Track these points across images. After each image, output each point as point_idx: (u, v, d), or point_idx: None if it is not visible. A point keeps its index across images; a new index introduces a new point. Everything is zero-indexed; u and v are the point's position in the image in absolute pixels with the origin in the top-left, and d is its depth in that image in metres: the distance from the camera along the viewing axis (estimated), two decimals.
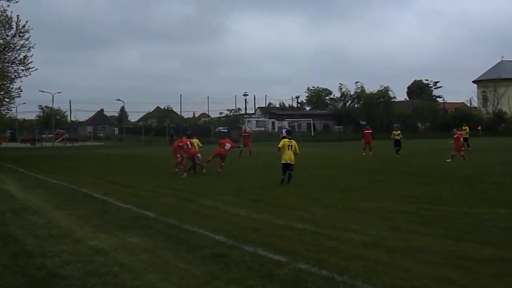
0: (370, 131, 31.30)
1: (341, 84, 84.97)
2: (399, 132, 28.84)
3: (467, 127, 34.85)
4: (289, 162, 15.83)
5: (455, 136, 24.86)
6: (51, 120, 78.50)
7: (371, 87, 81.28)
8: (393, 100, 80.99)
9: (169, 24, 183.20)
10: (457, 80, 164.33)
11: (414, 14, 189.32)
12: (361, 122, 76.14)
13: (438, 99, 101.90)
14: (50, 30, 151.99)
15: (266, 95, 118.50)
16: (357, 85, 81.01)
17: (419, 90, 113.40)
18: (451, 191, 13.68)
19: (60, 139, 71.33)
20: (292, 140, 16.24)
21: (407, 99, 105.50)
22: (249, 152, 30.17)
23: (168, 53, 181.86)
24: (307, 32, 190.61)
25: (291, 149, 15.98)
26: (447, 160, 23.62)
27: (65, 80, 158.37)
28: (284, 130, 55.53)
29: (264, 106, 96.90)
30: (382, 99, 77.72)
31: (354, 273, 6.19)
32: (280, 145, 16.20)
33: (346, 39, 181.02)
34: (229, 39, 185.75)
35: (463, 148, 24.39)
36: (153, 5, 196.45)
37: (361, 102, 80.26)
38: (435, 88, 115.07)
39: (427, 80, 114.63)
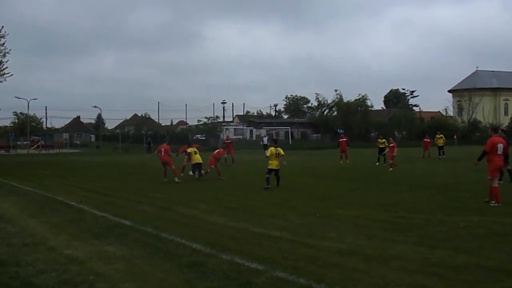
0: (345, 140, 31.56)
1: (318, 93, 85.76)
2: (384, 140, 29.04)
3: (442, 135, 35.51)
4: (275, 168, 17.32)
5: (391, 145, 25.74)
6: (26, 126, 77.40)
7: (348, 96, 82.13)
8: (370, 108, 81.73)
9: (144, 30, 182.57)
10: (432, 90, 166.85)
11: (387, 23, 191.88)
12: (338, 130, 76.66)
13: (414, 108, 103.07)
14: (23, 35, 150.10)
15: (244, 103, 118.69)
16: (336, 93, 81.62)
17: (396, 99, 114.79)
18: (425, 199, 13.85)
19: (35, 146, 70.40)
20: (278, 148, 17.76)
21: (384, 108, 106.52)
22: (231, 160, 30.21)
23: (144, 59, 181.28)
24: (281, 40, 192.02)
25: (278, 156, 17.45)
26: (389, 169, 24.27)
27: (40, 86, 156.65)
28: (265, 139, 55.75)
29: (242, 114, 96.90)
30: (359, 108, 78.33)
31: (331, 281, 6.22)
32: (268, 154, 17.54)
33: (320, 47, 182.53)
34: (205, 46, 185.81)
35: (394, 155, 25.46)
36: (127, 11, 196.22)
37: (339, 111, 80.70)
38: (411, 97, 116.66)
39: (403, 89, 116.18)
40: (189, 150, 21.11)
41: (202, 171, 20.66)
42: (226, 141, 33.21)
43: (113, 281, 6.33)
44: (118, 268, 6.94)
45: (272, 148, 17.70)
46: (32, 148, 69.01)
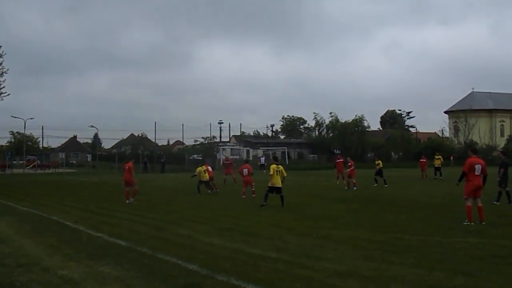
0: (342, 160, 31.64)
1: (316, 113, 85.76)
2: (379, 161, 29.35)
3: (440, 157, 35.66)
4: (277, 185, 17.32)
5: (349, 164, 26.96)
6: (22, 146, 77.22)
7: (343, 117, 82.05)
8: (367, 129, 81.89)
9: (136, 52, 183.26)
10: (427, 111, 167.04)
11: (376, 45, 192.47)
12: (335, 151, 76.67)
13: (411, 128, 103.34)
14: (16, 57, 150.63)
15: (240, 124, 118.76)
16: (331, 114, 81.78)
17: (392, 119, 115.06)
18: (422, 220, 13.84)
19: (31, 166, 70.13)
20: (279, 166, 17.76)
21: (381, 128, 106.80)
22: (233, 180, 30.23)
23: (136, 80, 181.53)
24: (272, 61, 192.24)
25: (279, 174, 17.45)
26: (354, 188, 25.86)
27: (34, 106, 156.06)
28: (262, 159, 55.76)
29: (238, 134, 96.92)
30: (356, 128, 78.48)
31: None
32: (271, 172, 17.51)
33: (311, 68, 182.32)
34: (197, 67, 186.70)
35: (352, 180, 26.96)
36: (117, 32, 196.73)
37: (335, 132, 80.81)
38: (407, 118, 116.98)
39: (400, 110, 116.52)
40: (198, 169, 24.01)
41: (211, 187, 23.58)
42: (225, 162, 33.36)
43: None
44: None
45: (274, 166, 17.67)
46: (28, 167, 68.73)
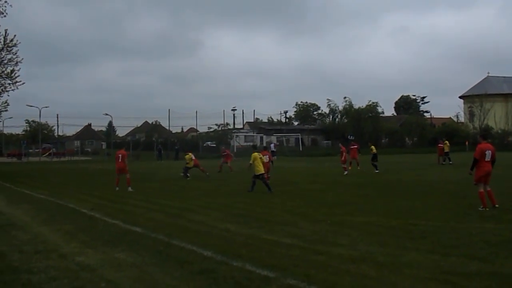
0: (356, 147, 31.71)
1: (329, 99, 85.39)
2: (372, 146, 29.94)
3: (447, 142, 35.57)
4: (261, 172, 18.22)
5: (341, 150, 28.45)
6: (38, 134, 77.90)
7: (356, 103, 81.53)
8: (380, 115, 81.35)
9: (143, 39, 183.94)
10: (443, 96, 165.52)
11: (386, 30, 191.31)
12: (349, 137, 76.37)
13: (425, 114, 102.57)
14: (28, 47, 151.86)
15: (254, 110, 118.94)
16: (345, 100, 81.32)
17: (406, 105, 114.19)
18: (437, 205, 13.76)
19: (46, 154, 70.76)
20: (260, 153, 19.10)
21: (395, 114, 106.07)
22: (229, 169, 31.31)
23: (145, 68, 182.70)
24: (282, 47, 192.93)
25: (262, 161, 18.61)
26: (345, 173, 26.80)
27: (46, 95, 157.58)
28: (272, 145, 55.73)
29: (252, 121, 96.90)
30: (370, 114, 77.99)
31: None
32: (252, 161, 18.37)
33: (321, 54, 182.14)
34: (205, 54, 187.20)
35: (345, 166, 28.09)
36: (124, 20, 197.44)
37: (349, 118, 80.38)
38: (422, 104, 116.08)
39: (414, 95, 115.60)
40: (187, 156, 25.56)
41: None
42: (223, 153, 33.79)
43: None
44: (129, 276, 6.95)
45: (256, 154, 18.55)
46: (44, 155, 69.35)
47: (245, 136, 76.27)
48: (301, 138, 76.26)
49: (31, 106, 74.32)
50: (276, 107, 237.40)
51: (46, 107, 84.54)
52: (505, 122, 77.50)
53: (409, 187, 18.90)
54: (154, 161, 55.97)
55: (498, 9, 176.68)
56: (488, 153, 12.76)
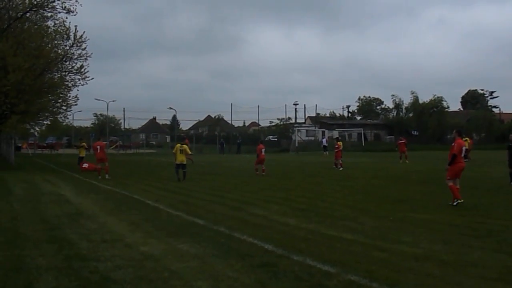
0: (403, 141, 34.01)
1: (393, 95, 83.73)
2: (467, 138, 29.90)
3: (467, 138, 34.34)
4: (182, 163, 21.18)
5: (336, 146, 29.10)
6: (105, 127, 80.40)
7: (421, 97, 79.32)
8: (446, 110, 78.89)
9: (185, 36, 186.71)
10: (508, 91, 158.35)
11: (427, 23, 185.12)
12: (413, 132, 74.66)
13: (494, 109, 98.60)
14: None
15: (316, 105, 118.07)
16: (412, 93, 79.35)
17: (474, 100, 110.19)
18: (504, 204, 13.27)
19: (114, 146, 72.79)
20: (183, 145, 21.72)
21: (461, 109, 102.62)
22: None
23: (192, 64, 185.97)
24: (325, 42, 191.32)
25: (182, 152, 21.21)
26: (340, 169, 27.28)
27: (108, 89, 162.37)
28: (324, 140, 55.40)
29: (313, 115, 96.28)
30: (435, 109, 75.80)
31: (405, 286, 6.08)
32: (174, 150, 21.73)
33: (365, 50, 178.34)
34: (247, 50, 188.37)
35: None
36: (166, 17, 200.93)
37: (413, 113, 78.49)
38: (491, 98, 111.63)
39: (482, 90, 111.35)
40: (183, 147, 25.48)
41: None
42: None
43: (187, 279, 6.46)
44: (191, 266, 7.08)
45: (178, 145, 21.61)
46: (111, 148, 71.22)
47: (306, 130, 75.85)
48: (364, 133, 75.14)
49: (99, 100, 76.84)
50: (329, 102, 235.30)
51: (113, 101, 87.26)
52: None
53: (475, 184, 18.22)
54: (216, 154, 56.68)
55: None
56: (463, 150, 13.54)
